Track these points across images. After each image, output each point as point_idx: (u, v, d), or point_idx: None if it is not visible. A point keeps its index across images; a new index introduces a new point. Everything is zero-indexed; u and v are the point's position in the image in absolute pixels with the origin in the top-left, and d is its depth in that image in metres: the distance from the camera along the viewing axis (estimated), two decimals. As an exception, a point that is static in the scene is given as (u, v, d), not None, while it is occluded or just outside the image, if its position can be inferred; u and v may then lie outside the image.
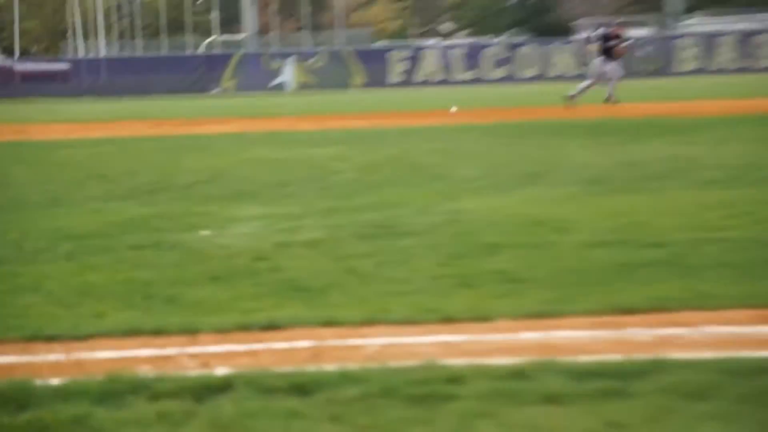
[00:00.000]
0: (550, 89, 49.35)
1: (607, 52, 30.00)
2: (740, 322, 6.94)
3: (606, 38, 30.55)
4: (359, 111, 36.02)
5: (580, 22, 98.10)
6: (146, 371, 6.02)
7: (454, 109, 32.04)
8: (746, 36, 60.97)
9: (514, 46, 66.45)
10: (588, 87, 30.08)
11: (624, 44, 30.20)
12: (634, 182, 13.69)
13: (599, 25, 33.47)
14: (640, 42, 50.59)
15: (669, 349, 6.33)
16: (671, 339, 6.63)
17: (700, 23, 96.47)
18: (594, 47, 30.98)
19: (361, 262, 9.25)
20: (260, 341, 6.75)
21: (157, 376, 5.92)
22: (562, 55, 60.54)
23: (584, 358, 6.16)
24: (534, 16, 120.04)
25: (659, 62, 56.52)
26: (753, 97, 32.88)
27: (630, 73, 47.73)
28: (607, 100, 29.70)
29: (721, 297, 7.54)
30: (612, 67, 29.94)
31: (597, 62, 30.17)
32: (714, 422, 5.02)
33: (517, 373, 5.87)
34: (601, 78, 29.95)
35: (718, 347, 6.34)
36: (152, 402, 5.49)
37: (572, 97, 29.70)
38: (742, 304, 7.37)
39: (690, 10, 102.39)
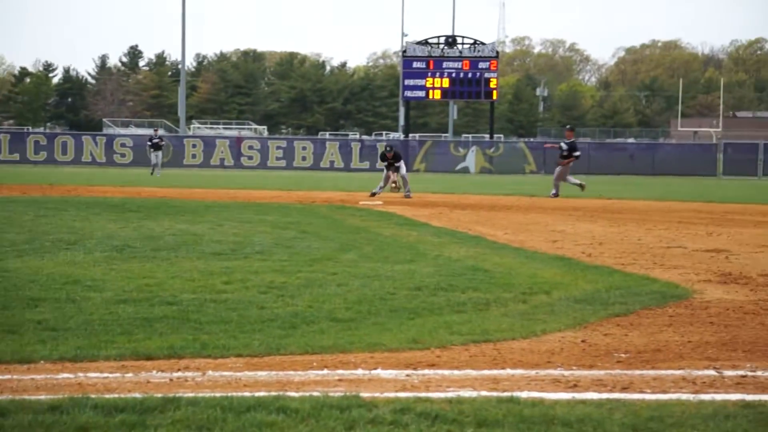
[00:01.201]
0: (84, 172, 48.40)
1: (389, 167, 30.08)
2: (236, 368, 6.96)
3: (384, 158, 30.91)
4: None
5: (107, 120, 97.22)
6: None
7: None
8: (239, 140, 62.23)
9: (54, 136, 64.49)
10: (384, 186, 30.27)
11: (398, 164, 30.44)
12: (152, 251, 13.52)
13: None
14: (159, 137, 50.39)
15: (181, 389, 6.25)
16: (183, 381, 6.56)
17: (203, 127, 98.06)
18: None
19: None
20: None
21: None
22: (93, 146, 59.26)
23: (111, 396, 6.00)
24: (69, 113, 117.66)
25: (169, 156, 56.36)
26: (246, 188, 33.52)
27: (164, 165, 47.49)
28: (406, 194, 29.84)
29: (221, 347, 7.57)
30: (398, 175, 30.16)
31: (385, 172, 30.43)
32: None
33: (55, 408, 5.66)
34: (388, 181, 30.22)
35: (220, 388, 6.33)
36: None
37: (373, 194, 29.78)
38: (237, 353, 7.41)
39: (193, 117, 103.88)
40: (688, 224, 20.15)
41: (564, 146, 31.54)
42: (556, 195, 30.62)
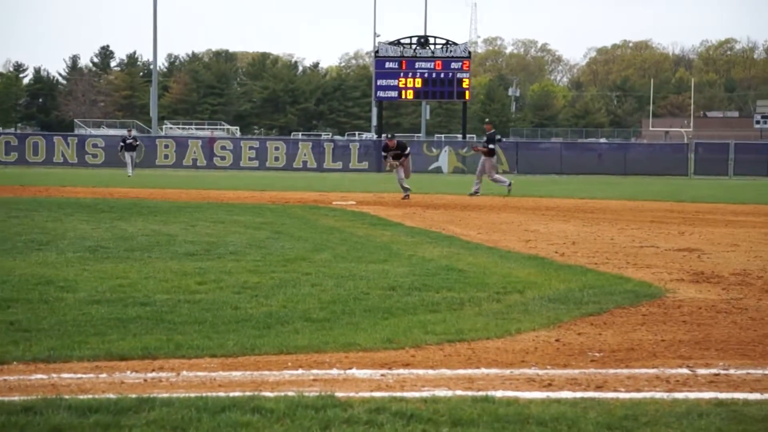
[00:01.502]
0: (56, 172, 48.12)
1: (395, 158, 29.24)
2: (210, 369, 6.95)
3: (386, 149, 30.00)
4: None
5: (78, 121, 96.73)
6: None
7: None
8: (212, 141, 62.01)
9: (25, 137, 64.03)
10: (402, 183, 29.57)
11: (405, 153, 29.57)
12: (125, 252, 13.47)
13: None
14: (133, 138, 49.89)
15: (155, 390, 6.24)
16: (157, 381, 6.54)
17: (175, 128, 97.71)
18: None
19: None
20: None
21: None
22: (64, 147, 58.89)
23: (85, 396, 5.97)
24: (40, 113, 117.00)
25: (141, 156, 55.91)
26: (219, 188, 33.41)
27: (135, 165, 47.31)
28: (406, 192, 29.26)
29: (196, 347, 7.55)
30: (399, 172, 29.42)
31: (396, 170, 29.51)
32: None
33: (28, 409, 5.64)
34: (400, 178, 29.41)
35: (194, 388, 6.31)
36: None
37: (406, 194, 28.78)
38: (211, 353, 7.40)
39: (165, 117, 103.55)
40: (660, 224, 20.25)
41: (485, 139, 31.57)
42: (509, 185, 30.62)
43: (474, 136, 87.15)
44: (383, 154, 30.77)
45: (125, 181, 39.75)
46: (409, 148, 30.65)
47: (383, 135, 31.90)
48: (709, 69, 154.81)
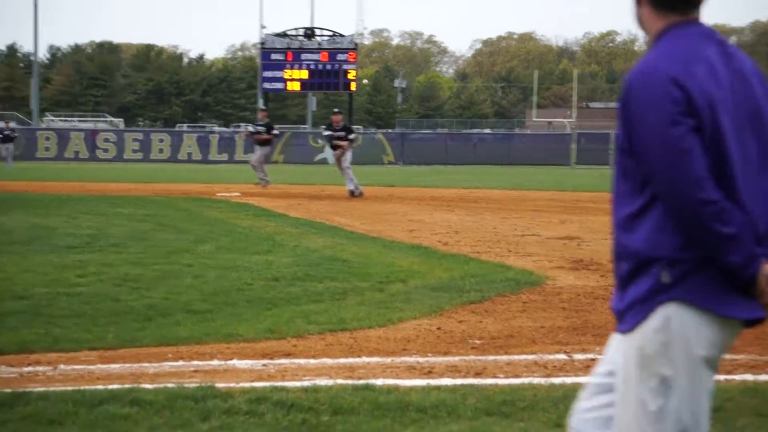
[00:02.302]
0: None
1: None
2: (89, 362, 6.85)
3: (330, 127, 26.61)
4: None
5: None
6: None
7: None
8: (94, 133, 61.02)
9: None
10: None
11: (350, 137, 25.92)
12: (3, 245, 13.19)
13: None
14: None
15: (31, 384, 6.13)
16: (33, 375, 6.43)
17: (57, 120, 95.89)
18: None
19: None
20: None
21: None
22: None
23: (-42, 393, 5.83)
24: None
25: (21, 148, 54.63)
26: (101, 181, 32.84)
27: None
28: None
29: (74, 341, 7.44)
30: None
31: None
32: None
33: None
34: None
35: (72, 382, 6.22)
36: None
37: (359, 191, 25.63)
38: (90, 346, 7.29)
39: (47, 110, 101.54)
40: (542, 212, 20.58)
41: (260, 128, 30.67)
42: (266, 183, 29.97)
43: (360, 127, 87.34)
44: (327, 133, 27.02)
45: (4, 173, 38.85)
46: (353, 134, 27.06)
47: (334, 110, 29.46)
48: (591, 61, 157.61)
